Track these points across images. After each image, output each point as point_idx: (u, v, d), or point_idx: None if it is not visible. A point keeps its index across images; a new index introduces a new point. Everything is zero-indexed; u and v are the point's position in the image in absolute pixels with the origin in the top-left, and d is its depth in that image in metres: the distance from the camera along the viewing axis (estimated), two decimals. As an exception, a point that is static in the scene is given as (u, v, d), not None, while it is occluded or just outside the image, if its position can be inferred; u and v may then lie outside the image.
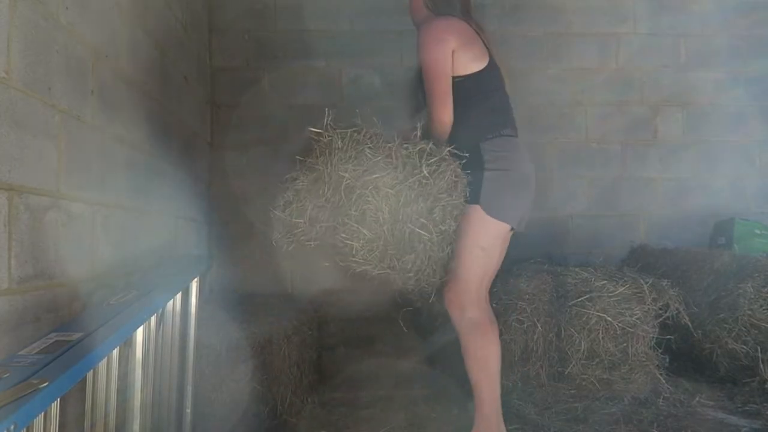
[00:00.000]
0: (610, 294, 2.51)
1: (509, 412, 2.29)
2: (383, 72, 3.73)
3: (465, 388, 2.53)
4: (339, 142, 1.97)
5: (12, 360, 1.16)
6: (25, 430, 0.98)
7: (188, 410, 1.99)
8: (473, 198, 1.96)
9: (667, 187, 3.86)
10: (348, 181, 1.85)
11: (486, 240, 1.97)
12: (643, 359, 2.49)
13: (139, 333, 1.52)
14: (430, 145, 1.93)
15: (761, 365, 2.59)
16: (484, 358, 1.97)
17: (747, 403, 2.46)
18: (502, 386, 2.42)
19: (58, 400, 1.09)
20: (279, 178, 3.65)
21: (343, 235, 1.84)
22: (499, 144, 2.02)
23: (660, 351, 2.55)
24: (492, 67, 2.10)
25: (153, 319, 1.63)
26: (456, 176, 1.92)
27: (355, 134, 1.99)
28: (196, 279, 2.03)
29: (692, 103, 3.89)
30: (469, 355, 1.98)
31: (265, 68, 3.68)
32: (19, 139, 1.41)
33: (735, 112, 3.91)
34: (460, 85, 2.04)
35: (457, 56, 2.02)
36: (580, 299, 2.50)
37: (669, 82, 3.89)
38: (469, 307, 1.97)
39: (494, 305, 2.46)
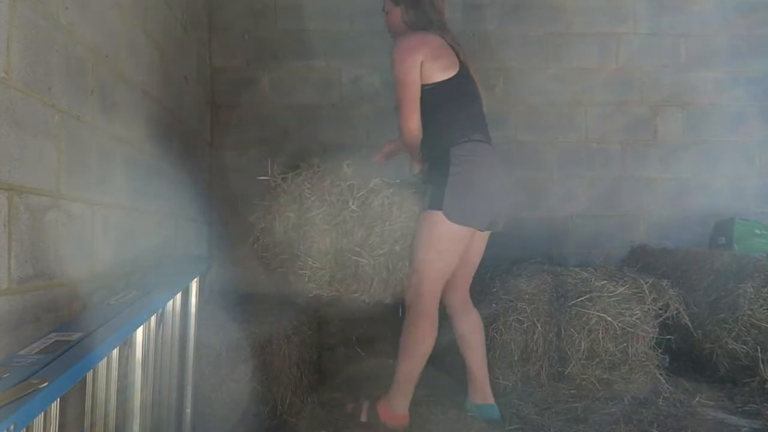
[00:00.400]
0: (610, 294, 2.51)
1: (509, 412, 2.30)
2: (383, 72, 3.72)
3: (465, 388, 2.53)
4: (283, 186, 2.28)
5: (12, 360, 1.16)
6: (24, 430, 0.98)
7: (188, 410, 1.99)
8: (436, 203, 2.09)
9: (667, 187, 3.86)
10: (293, 221, 2.18)
11: (442, 244, 2.11)
12: (643, 359, 2.49)
13: (139, 333, 1.52)
14: (356, 180, 2.20)
15: (761, 365, 2.59)
16: (417, 343, 2.18)
17: (747, 403, 2.46)
18: (502, 386, 2.44)
19: (58, 400, 1.09)
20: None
21: (299, 264, 2.17)
22: (468, 148, 2.13)
23: (660, 351, 2.55)
24: (463, 76, 2.21)
25: (153, 319, 1.63)
26: (390, 203, 2.15)
27: (297, 176, 2.27)
28: (196, 279, 2.03)
29: (692, 103, 3.89)
30: (408, 335, 2.19)
31: (265, 68, 3.68)
32: (18, 139, 1.41)
33: (735, 112, 3.91)
34: (430, 92, 2.16)
35: (425, 67, 2.14)
36: (580, 299, 2.50)
37: (669, 82, 3.89)
38: (420, 300, 2.15)
39: (494, 305, 2.48)
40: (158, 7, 2.56)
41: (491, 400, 2.29)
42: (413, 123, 2.17)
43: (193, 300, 2.01)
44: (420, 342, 2.17)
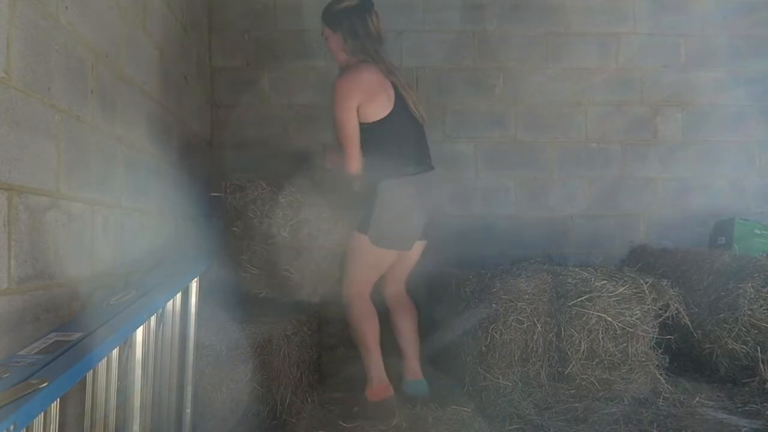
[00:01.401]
0: (610, 294, 2.51)
1: (509, 412, 2.29)
2: (383, 72, 3.73)
3: (464, 388, 2.53)
4: (233, 203, 2.72)
5: (12, 360, 1.16)
6: (24, 430, 0.98)
7: (188, 410, 1.98)
8: (363, 227, 2.43)
9: (667, 187, 3.87)
10: (238, 233, 2.66)
11: (372, 259, 2.48)
12: (643, 359, 2.49)
13: (139, 333, 1.52)
14: (290, 210, 2.55)
15: (761, 365, 2.59)
16: (358, 324, 2.50)
17: (747, 403, 2.46)
18: (502, 386, 2.43)
19: (58, 400, 1.09)
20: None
21: (244, 266, 2.68)
22: (393, 185, 2.40)
23: (660, 351, 2.55)
24: (396, 112, 2.42)
25: (153, 319, 1.63)
26: (317, 232, 2.54)
27: (244, 196, 2.66)
28: (196, 279, 2.03)
29: (692, 103, 3.89)
30: (350, 324, 2.54)
31: (264, 68, 3.68)
32: (18, 139, 1.41)
33: (735, 112, 3.91)
34: (367, 131, 2.40)
35: (362, 109, 2.37)
36: (580, 299, 2.50)
37: (669, 82, 3.89)
38: (354, 302, 2.51)
39: (494, 305, 2.47)
40: (158, 7, 2.56)
41: (420, 376, 2.58)
42: (355, 164, 2.43)
43: (193, 300, 2.01)
44: (359, 323, 2.50)
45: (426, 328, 3.26)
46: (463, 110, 3.79)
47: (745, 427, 2.19)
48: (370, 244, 2.42)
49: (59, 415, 1.13)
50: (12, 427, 0.91)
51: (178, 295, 1.85)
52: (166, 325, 1.79)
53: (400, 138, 2.46)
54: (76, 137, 1.72)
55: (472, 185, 3.78)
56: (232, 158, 3.64)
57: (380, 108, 2.39)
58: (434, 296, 3.28)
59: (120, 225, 2.05)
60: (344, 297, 2.54)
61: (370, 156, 2.44)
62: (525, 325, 2.47)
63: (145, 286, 1.74)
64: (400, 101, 2.45)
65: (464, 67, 3.79)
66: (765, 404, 2.42)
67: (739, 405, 2.43)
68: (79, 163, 1.74)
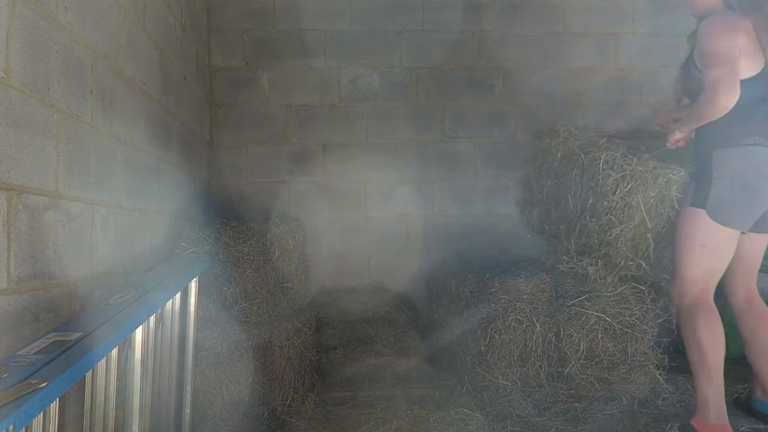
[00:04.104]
0: (609, 294, 2.51)
1: (509, 412, 2.30)
2: (382, 72, 3.74)
3: (464, 387, 2.53)
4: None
5: (11, 360, 1.16)
6: (24, 429, 0.98)
7: (187, 410, 1.98)
8: (700, 200, 2.09)
9: (666, 187, 3.86)
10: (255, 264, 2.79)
11: (711, 241, 2.07)
12: (642, 359, 2.49)
13: (138, 333, 1.52)
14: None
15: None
16: (703, 351, 2.05)
17: (747, 403, 2.46)
18: (501, 386, 2.43)
19: (57, 399, 1.09)
20: (278, 178, 3.67)
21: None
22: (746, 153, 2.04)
23: (659, 351, 2.55)
24: (764, 74, 2.05)
25: (152, 319, 1.63)
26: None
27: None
28: (195, 279, 2.03)
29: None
30: (691, 344, 2.09)
31: (264, 68, 3.68)
32: (17, 139, 1.41)
33: (734, 112, 3.91)
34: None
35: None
36: (579, 299, 2.50)
37: (669, 82, 3.88)
38: (697, 304, 2.10)
39: (493, 305, 2.47)
40: (157, 7, 2.56)
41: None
42: (734, 94, 1.97)
43: (193, 300, 2.01)
44: (700, 333, 2.05)
45: (426, 328, 3.27)
46: (462, 110, 3.79)
47: (744, 426, 2.19)
48: (708, 220, 2.05)
49: (59, 415, 1.13)
50: (12, 427, 0.91)
51: (178, 295, 1.85)
52: (165, 325, 1.79)
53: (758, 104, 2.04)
54: (76, 137, 1.72)
55: (471, 185, 3.78)
56: (231, 158, 3.64)
57: (751, 66, 2.03)
58: (434, 296, 3.28)
59: (119, 225, 2.05)
60: (679, 298, 2.13)
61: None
62: (524, 325, 2.47)
63: (144, 286, 1.74)
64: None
65: (464, 67, 3.79)
66: (764, 404, 2.42)
67: (738, 405, 2.43)
68: (79, 163, 1.74)
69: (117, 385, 1.43)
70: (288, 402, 2.43)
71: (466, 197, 3.77)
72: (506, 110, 3.82)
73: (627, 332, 2.47)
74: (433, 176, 3.75)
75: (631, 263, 2.40)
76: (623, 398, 2.39)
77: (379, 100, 3.72)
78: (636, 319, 2.47)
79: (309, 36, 3.70)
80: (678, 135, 2.24)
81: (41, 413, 1.04)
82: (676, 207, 2.26)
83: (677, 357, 2.94)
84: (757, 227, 2.11)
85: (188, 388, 1.99)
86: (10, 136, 1.37)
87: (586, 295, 2.49)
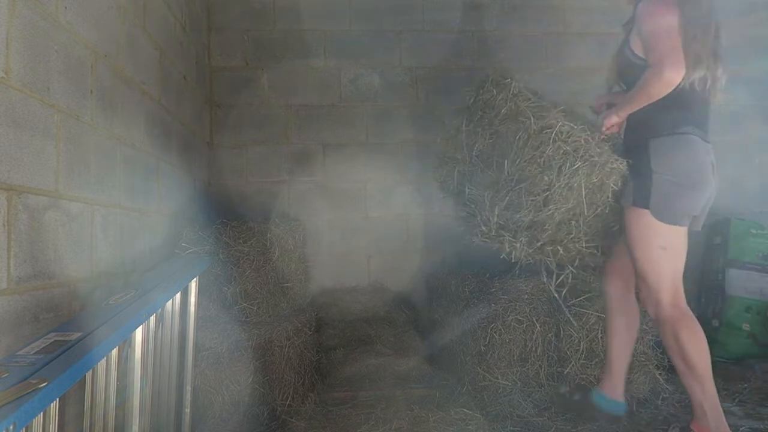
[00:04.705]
0: (609, 294, 2.51)
1: (509, 412, 2.30)
2: (382, 71, 3.74)
3: (464, 387, 2.53)
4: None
5: (11, 360, 1.16)
6: (24, 429, 0.98)
7: (187, 410, 1.98)
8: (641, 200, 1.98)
9: (666, 187, 3.86)
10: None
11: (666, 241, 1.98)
12: (643, 359, 2.49)
13: (138, 333, 1.52)
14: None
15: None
16: (693, 357, 1.96)
17: (747, 403, 2.46)
18: (501, 386, 2.43)
19: (57, 399, 1.09)
20: (278, 178, 3.67)
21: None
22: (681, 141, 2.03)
23: (659, 351, 2.55)
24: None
25: (152, 319, 1.63)
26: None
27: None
28: (195, 279, 2.03)
29: (691, 103, 3.88)
30: (681, 352, 1.98)
31: (263, 68, 3.68)
32: (17, 139, 1.41)
33: (735, 112, 3.91)
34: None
35: None
36: (578, 299, 2.50)
37: (668, 82, 3.88)
38: (677, 311, 1.99)
39: (493, 305, 2.47)
40: (157, 8, 2.56)
41: (620, 398, 2.17)
42: (680, 69, 1.89)
43: (193, 300, 2.01)
44: (692, 349, 1.95)
45: (426, 328, 3.27)
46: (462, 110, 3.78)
47: (744, 426, 2.19)
48: (653, 223, 1.96)
49: (59, 415, 1.14)
50: (12, 427, 0.91)
51: (178, 295, 1.85)
52: (165, 325, 1.79)
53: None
54: (76, 137, 1.72)
55: (471, 185, 3.78)
56: (231, 158, 3.64)
57: None
58: (434, 296, 3.28)
59: (119, 225, 2.05)
60: (654, 308, 2.01)
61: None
62: (524, 325, 2.47)
63: (144, 286, 1.74)
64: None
65: (464, 67, 3.79)
66: (765, 404, 2.42)
67: (738, 405, 2.44)
68: (79, 163, 1.74)
69: (117, 385, 1.43)
70: (288, 402, 2.43)
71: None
72: (506, 110, 3.81)
73: (627, 332, 2.46)
74: (433, 176, 3.75)
75: (586, 249, 2.18)
76: (623, 398, 2.39)
77: (379, 100, 3.72)
78: (636, 319, 2.47)
79: (309, 36, 3.70)
80: (614, 119, 2.09)
81: (41, 413, 1.04)
82: (609, 199, 2.07)
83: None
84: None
85: (188, 388, 1.99)
86: (10, 136, 1.37)
87: (587, 295, 2.49)
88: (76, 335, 1.29)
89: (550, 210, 2.06)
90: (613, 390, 2.16)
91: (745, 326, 3.30)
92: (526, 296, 2.56)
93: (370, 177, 3.70)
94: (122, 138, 2.10)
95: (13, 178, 1.38)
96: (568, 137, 2.05)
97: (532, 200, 2.09)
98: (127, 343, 1.51)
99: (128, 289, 1.70)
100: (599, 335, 2.46)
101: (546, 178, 2.05)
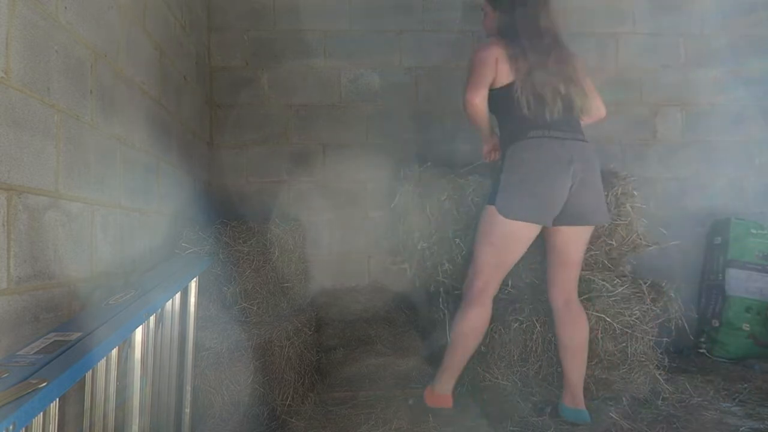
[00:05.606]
0: (609, 294, 2.51)
1: (509, 412, 2.30)
2: (382, 72, 3.73)
3: (464, 387, 2.53)
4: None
5: (11, 360, 1.16)
6: (24, 429, 0.98)
7: (187, 410, 1.99)
8: (491, 197, 2.29)
9: (666, 187, 3.86)
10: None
11: (499, 238, 2.26)
12: (642, 359, 2.49)
13: (138, 333, 1.52)
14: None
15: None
16: (464, 332, 2.33)
17: (747, 403, 2.46)
18: (501, 386, 2.43)
19: (57, 399, 1.09)
20: (278, 178, 3.67)
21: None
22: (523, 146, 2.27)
23: (659, 351, 2.55)
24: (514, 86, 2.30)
25: (152, 319, 1.63)
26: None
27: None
28: (195, 279, 2.03)
29: (692, 103, 3.89)
30: (457, 322, 2.35)
31: (264, 68, 3.68)
32: (17, 139, 1.41)
33: (735, 112, 3.91)
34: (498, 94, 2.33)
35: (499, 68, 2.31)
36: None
37: (669, 82, 3.89)
38: (473, 304, 2.33)
39: (493, 305, 2.47)
40: (157, 7, 2.56)
41: (581, 405, 2.25)
42: (476, 96, 2.32)
43: (193, 300, 2.01)
44: (468, 331, 2.30)
45: (426, 328, 3.27)
46: (462, 110, 3.78)
47: (744, 426, 2.19)
48: (497, 216, 2.22)
49: (59, 415, 1.14)
50: (11, 427, 0.91)
51: (178, 295, 1.85)
52: (165, 325, 1.79)
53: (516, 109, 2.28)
54: (76, 137, 1.72)
55: (471, 185, 3.77)
56: (231, 158, 3.64)
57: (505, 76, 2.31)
58: (433, 296, 3.28)
59: (119, 225, 2.05)
60: (465, 294, 2.36)
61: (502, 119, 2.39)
62: (524, 325, 2.47)
63: (144, 286, 1.74)
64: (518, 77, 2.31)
65: (464, 67, 3.78)
66: (765, 404, 2.42)
67: (738, 405, 2.44)
68: (79, 163, 1.74)
69: (117, 385, 1.43)
70: (288, 402, 2.43)
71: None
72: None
73: (627, 332, 2.47)
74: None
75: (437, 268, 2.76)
76: (623, 398, 2.39)
77: (379, 100, 3.72)
78: (636, 319, 2.47)
79: (309, 36, 3.70)
80: (484, 148, 2.58)
81: (41, 413, 1.04)
82: (473, 208, 2.64)
83: (677, 357, 2.94)
84: (565, 220, 2.21)
85: (188, 388, 1.99)
86: (10, 136, 1.37)
87: (587, 296, 2.49)
88: (76, 335, 1.29)
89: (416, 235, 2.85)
90: (572, 400, 2.27)
91: (745, 326, 3.30)
92: (526, 296, 2.56)
93: (370, 177, 3.70)
94: (122, 138, 2.10)
95: (13, 178, 1.39)
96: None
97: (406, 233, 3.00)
98: (126, 343, 1.51)
99: (128, 289, 1.70)
100: (599, 335, 2.46)
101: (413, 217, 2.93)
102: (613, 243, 2.64)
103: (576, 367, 2.28)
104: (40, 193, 1.51)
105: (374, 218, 3.70)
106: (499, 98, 2.31)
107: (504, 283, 2.56)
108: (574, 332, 2.28)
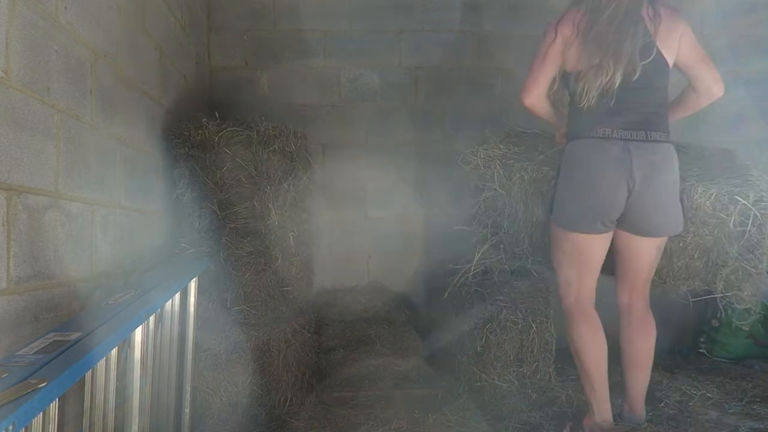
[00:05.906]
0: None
1: (506, 412, 2.30)
2: (382, 72, 3.73)
3: (461, 388, 2.53)
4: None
5: (11, 360, 1.16)
6: (24, 429, 0.98)
7: (187, 410, 1.99)
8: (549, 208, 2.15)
9: (666, 187, 3.86)
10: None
11: (568, 247, 2.04)
12: (642, 359, 2.48)
13: (138, 333, 1.52)
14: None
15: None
16: (578, 348, 2.02)
17: (747, 403, 2.46)
18: (498, 387, 2.43)
19: (57, 399, 1.09)
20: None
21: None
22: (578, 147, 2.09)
23: (659, 351, 2.54)
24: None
25: (152, 319, 1.63)
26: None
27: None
28: (194, 279, 2.03)
29: (692, 103, 3.88)
30: (570, 341, 2.06)
31: (263, 68, 3.68)
32: (17, 139, 1.41)
33: (735, 112, 3.90)
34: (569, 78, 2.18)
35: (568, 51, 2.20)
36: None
37: (668, 82, 3.88)
38: (572, 311, 2.06)
39: (489, 305, 2.47)
40: (157, 7, 2.56)
41: (641, 416, 2.08)
42: (529, 93, 2.29)
43: (192, 300, 2.01)
44: (582, 348, 2.00)
45: (425, 328, 3.27)
46: (462, 110, 3.78)
47: (744, 426, 2.19)
48: (557, 228, 2.03)
49: (58, 415, 1.14)
50: (11, 427, 0.91)
51: (177, 295, 1.85)
52: (164, 325, 1.79)
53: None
54: (76, 137, 1.72)
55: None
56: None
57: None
58: (433, 296, 3.28)
59: (119, 225, 2.05)
60: (563, 310, 2.07)
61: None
62: (520, 325, 2.47)
63: (143, 286, 1.74)
64: None
65: (464, 67, 3.79)
66: (765, 404, 2.42)
67: (738, 405, 2.44)
68: (79, 163, 1.74)
69: (116, 385, 1.44)
70: (288, 402, 2.43)
71: (466, 197, 3.77)
72: (506, 110, 3.81)
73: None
74: (433, 176, 3.74)
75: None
76: (622, 398, 2.38)
77: (379, 100, 3.72)
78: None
79: (309, 36, 3.70)
80: (557, 133, 2.36)
81: (41, 413, 1.04)
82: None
83: (677, 357, 2.94)
84: (629, 227, 1.98)
85: (188, 388, 2.00)
86: (10, 136, 1.38)
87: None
88: (75, 335, 1.29)
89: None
90: (631, 409, 2.10)
91: (745, 326, 3.29)
92: (522, 296, 2.56)
93: (370, 177, 3.69)
94: (122, 138, 2.10)
95: (13, 178, 1.39)
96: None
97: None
98: (126, 343, 1.51)
99: (128, 289, 1.70)
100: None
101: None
102: None
103: (633, 378, 2.05)
104: (40, 193, 1.51)
105: (374, 218, 3.70)
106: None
107: (503, 283, 2.56)
108: (631, 337, 2.05)
